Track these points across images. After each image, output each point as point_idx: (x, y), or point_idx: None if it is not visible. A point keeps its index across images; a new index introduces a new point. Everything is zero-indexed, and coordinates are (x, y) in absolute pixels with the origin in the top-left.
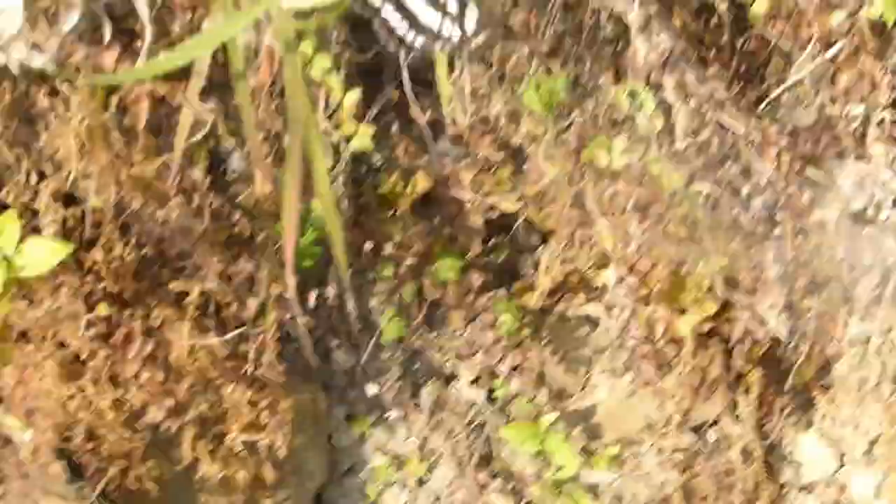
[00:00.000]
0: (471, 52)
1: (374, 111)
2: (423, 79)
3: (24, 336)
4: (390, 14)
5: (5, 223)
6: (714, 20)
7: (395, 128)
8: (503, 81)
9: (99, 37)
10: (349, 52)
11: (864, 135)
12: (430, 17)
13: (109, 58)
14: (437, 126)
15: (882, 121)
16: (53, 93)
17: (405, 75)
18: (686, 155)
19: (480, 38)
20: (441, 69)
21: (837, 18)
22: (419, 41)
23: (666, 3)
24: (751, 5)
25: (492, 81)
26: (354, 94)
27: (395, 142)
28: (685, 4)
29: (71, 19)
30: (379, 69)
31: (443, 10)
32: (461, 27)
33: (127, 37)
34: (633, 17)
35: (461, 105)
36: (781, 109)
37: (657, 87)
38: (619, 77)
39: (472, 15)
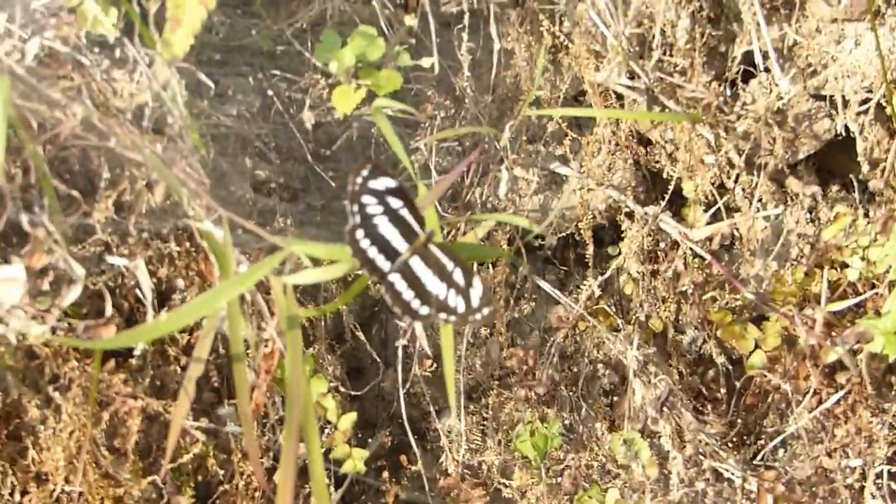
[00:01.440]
0: (474, 323)
1: (369, 450)
2: (418, 427)
3: None
4: (398, 280)
5: None
6: (711, 373)
7: (385, 474)
8: (497, 430)
9: (99, 310)
10: (345, 383)
11: (861, 489)
12: (436, 286)
13: (108, 331)
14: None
15: (880, 475)
16: (47, 401)
17: (404, 418)
18: None
19: (484, 312)
20: (446, 338)
21: (834, 356)
22: (424, 310)
23: (663, 351)
24: (748, 357)
25: (485, 432)
26: (349, 419)
27: (385, 490)
28: (682, 355)
29: (73, 293)
30: (374, 402)
31: (449, 281)
32: (466, 300)
33: (125, 315)
34: (631, 359)
35: (451, 454)
36: (778, 461)
37: (653, 436)
38: (613, 427)
39: (476, 290)
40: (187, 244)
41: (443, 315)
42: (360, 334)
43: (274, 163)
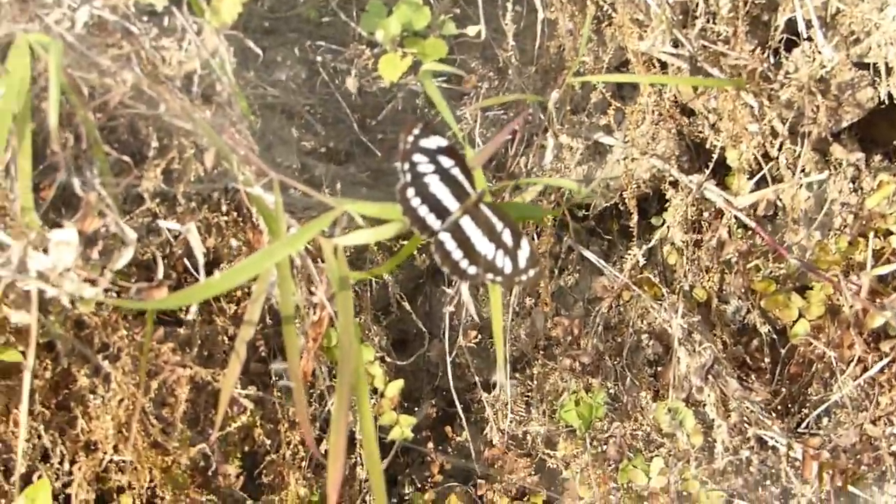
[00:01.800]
0: (517, 286)
1: (416, 419)
2: (463, 398)
3: None
4: (448, 239)
5: (38, 494)
6: (755, 342)
7: (430, 445)
8: (542, 400)
9: (149, 277)
10: (390, 353)
11: None
12: (485, 246)
13: (160, 293)
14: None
15: None
16: (96, 371)
17: (452, 389)
18: (726, 474)
19: (531, 273)
20: (495, 296)
21: (880, 321)
22: (472, 269)
23: (707, 321)
24: (792, 326)
25: (529, 402)
26: (396, 386)
27: (430, 460)
28: (726, 325)
29: (125, 256)
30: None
31: (497, 242)
32: (513, 261)
33: (174, 284)
34: (676, 327)
35: (496, 423)
36: (822, 429)
37: (697, 404)
38: (658, 396)
39: (524, 252)
40: (234, 214)
41: (490, 275)
42: (406, 304)
43: (320, 133)
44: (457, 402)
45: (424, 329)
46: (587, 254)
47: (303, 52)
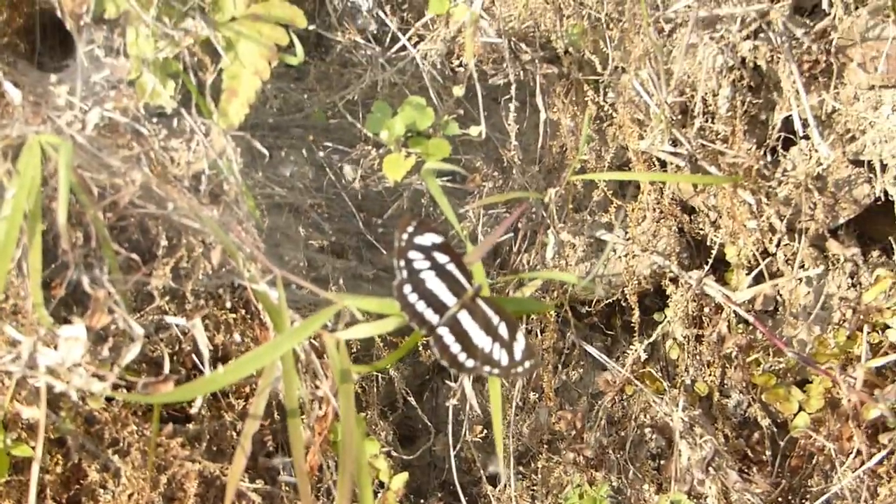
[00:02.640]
0: (517, 376)
1: None
2: (469, 492)
3: None
4: (446, 334)
5: None
6: (756, 435)
7: None
8: (547, 494)
9: (157, 372)
10: (396, 448)
11: None
12: (482, 340)
13: (166, 387)
14: None
15: None
16: (106, 466)
17: (456, 484)
18: None
19: (526, 365)
20: (494, 389)
21: (876, 412)
22: (470, 362)
23: (709, 414)
24: (792, 419)
25: (535, 496)
26: (401, 479)
27: None
28: (728, 418)
29: (132, 352)
30: (425, 464)
31: (494, 335)
32: (510, 353)
33: (182, 380)
34: (678, 420)
35: None
36: None
37: (699, 497)
38: (661, 489)
39: (520, 344)
40: (242, 311)
41: (487, 368)
42: (412, 400)
43: (326, 230)
44: (462, 497)
45: (430, 424)
46: (590, 349)
47: (310, 153)
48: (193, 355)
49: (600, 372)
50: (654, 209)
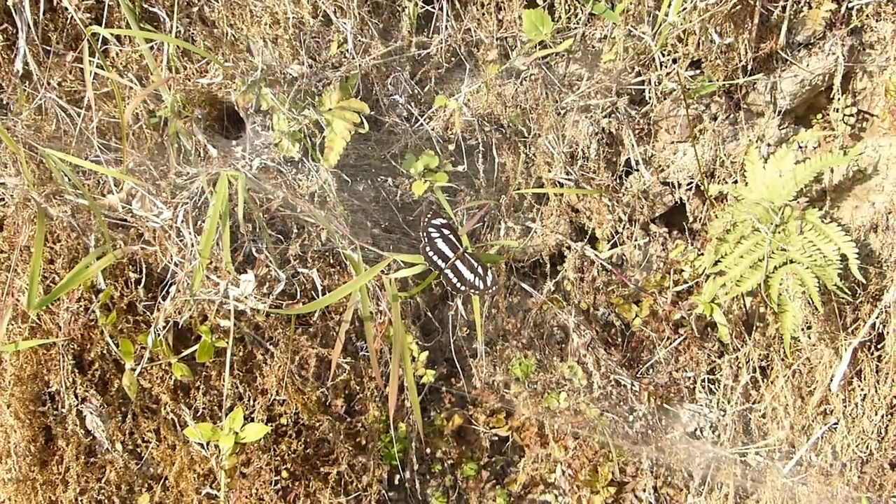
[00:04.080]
0: (486, 296)
1: (435, 374)
2: (461, 363)
3: (243, 476)
4: (449, 272)
5: (236, 416)
6: (613, 330)
7: (443, 388)
8: (502, 363)
9: (292, 298)
10: (420, 340)
11: (693, 389)
12: (469, 275)
13: (298, 306)
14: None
15: (704, 381)
16: (266, 351)
17: (454, 358)
18: (599, 399)
19: (492, 290)
20: (475, 303)
21: (677, 316)
22: (462, 287)
23: (588, 320)
24: (632, 321)
25: (495, 364)
26: (424, 355)
27: (442, 395)
28: (598, 321)
29: (278, 288)
30: (437, 347)
31: (475, 272)
32: (484, 282)
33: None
34: (571, 323)
35: (478, 376)
36: (650, 375)
37: (584, 364)
38: (563, 359)
39: (490, 277)
40: (338, 267)
41: (472, 290)
42: (429, 314)
43: (381, 223)
44: (457, 365)
45: (439, 326)
46: (523, 285)
47: (373, 181)
48: (312, 292)
49: (529, 298)
50: (557, 210)
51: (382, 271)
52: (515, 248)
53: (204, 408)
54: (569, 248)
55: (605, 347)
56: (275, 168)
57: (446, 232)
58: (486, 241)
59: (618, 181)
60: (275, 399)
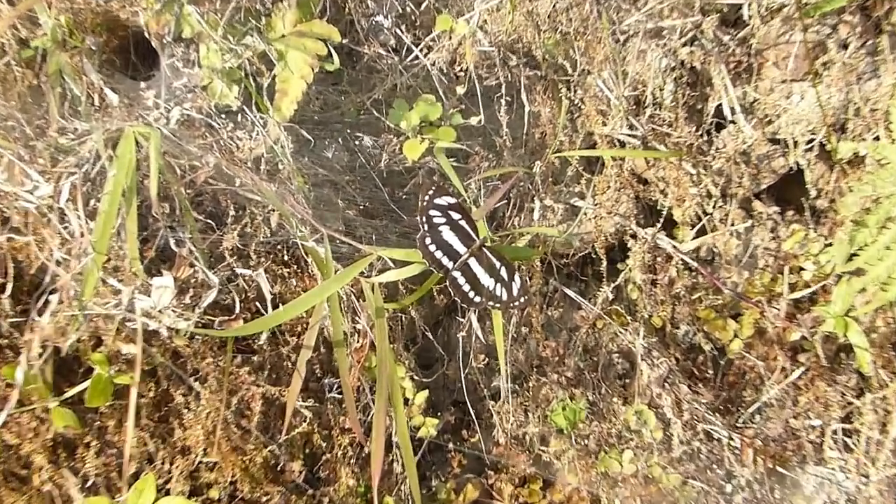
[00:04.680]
0: (513, 309)
1: (439, 424)
2: (475, 408)
3: None
4: (459, 276)
5: (144, 486)
6: (700, 357)
7: (451, 445)
8: (536, 407)
9: (229, 312)
10: (417, 373)
11: (821, 443)
12: (487, 280)
13: (237, 324)
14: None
15: (836, 432)
16: (189, 390)
17: (466, 400)
18: (681, 461)
19: (522, 300)
20: (497, 319)
21: (796, 336)
22: (477, 298)
23: (663, 342)
24: (728, 344)
25: (527, 409)
26: (423, 395)
27: (450, 457)
28: (678, 345)
29: (209, 297)
30: (440, 385)
31: (497, 276)
32: (508, 291)
33: (250, 318)
34: (639, 347)
35: (502, 426)
36: (755, 424)
37: (657, 407)
38: (627, 402)
39: (517, 284)
40: (294, 266)
41: (491, 302)
42: (430, 335)
43: (359, 202)
44: (470, 410)
45: (443, 353)
46: (568, 292)
47: (345, 141)
48: (257, 302)
49: (576, 310)
50: (616, 181)
51: (361, 273)
52: (556, 238)
53: (97, 474)
54: (634, 236)
55: (689, 383)
56: (203, 122)
57: (455, 216)
58: (514, 227)
59: (705, 138)
60: (201, 461)
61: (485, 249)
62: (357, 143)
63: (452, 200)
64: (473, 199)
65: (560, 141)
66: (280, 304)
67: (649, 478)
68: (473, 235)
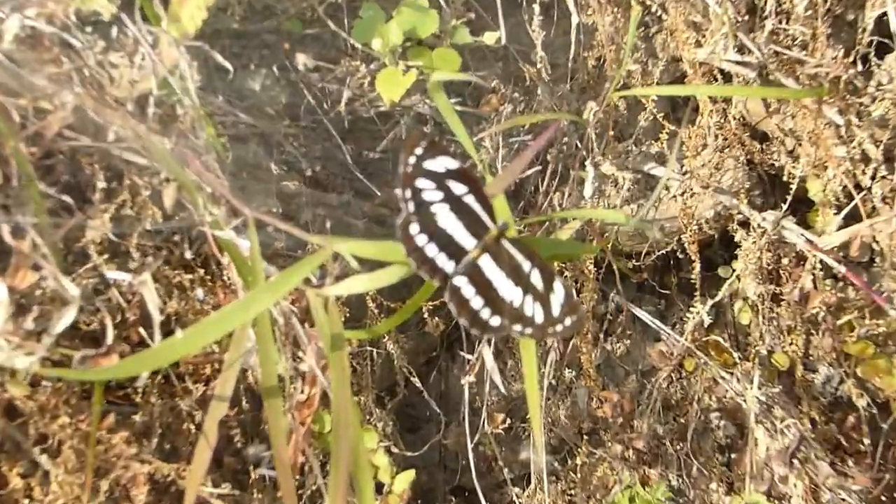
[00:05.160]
0: (552, 338)
1: None
2: (489, 497)
3: None
4: (464, 284)
5: None
6: (851, 419)
7: None
8: (589, 497)
9: (96, 344)
10: (398, 443)
11: None
12: (510, 291)
13: (109, 361)
14: None
15: None
16: (33, 468)
17: (476, 487)
18: None
19: (567, 323)
20: (527, 355)
21: None
22: (496, 320)
23: (791, 393)
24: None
25: (574, 498)
26: (406, 479)
27: None
28: (815, 398)
29: (66, 318)
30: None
31: (526, 285)
32: (545, 308)
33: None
34: (752, 401)
35: None
36: None
37: (782, 498)
38: (732, 489)
39: (558, 296)
40: (202, 270)
41: (518, 327)
42: (417, 381)
43: (305, 168)
44: (483, 500)
45: (439, 411)
46: (639, 313)
47: (283, 70)
48: (141, 328)
49: (653, 342)
50: (717, 135)
51: (308, 281)
52: (621, 227)
53: None
54: (745, 224)
55: (831, 459)
56: (56, 39)
57: (457, 188)
58: (552, 209)
59: (859, 69)
60: None
61: (506, 243)
62: (302, 72)
63: (454, 164)
64: (489, 163)
65: (628, 71)
66: (177, 330)
67: None
68: (487, 220)
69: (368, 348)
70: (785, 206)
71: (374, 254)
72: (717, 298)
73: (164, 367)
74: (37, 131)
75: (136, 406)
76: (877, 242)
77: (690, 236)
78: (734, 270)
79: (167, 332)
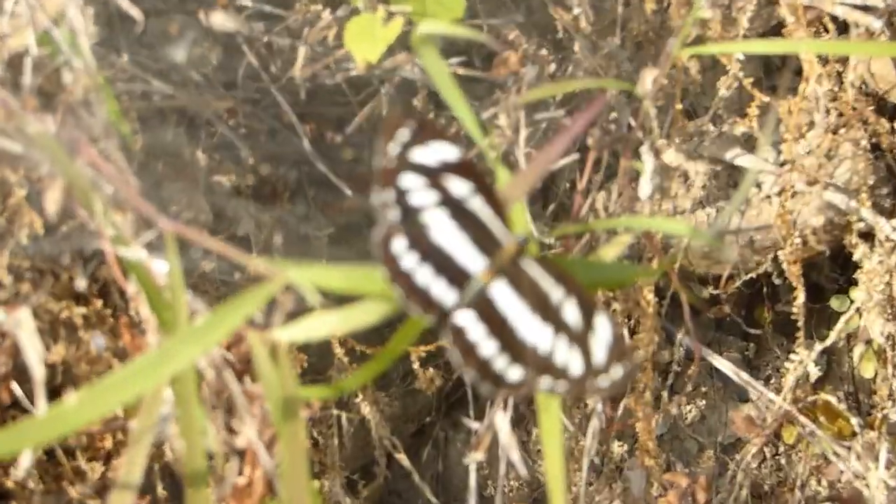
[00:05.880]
0: (592, 394)
1: None
2: None
3: None
4: (470, 322)
5: None
6: None
7: None
8: None
9: None
10: None
11: None
12: (534, 330)
13: None
14: None
15: None
16: None
17: None
18: None
19: (614, 374)
20: (549, 420)
21: None
22: (515, 372)
23: None
24: None
25: None
26: None
27: None
28: None
29: None
30: None
31: (556, 321)
32: (584, 352)
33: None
34: (878, 486)
35: None
36: None
37: None
38: None
39: (602, 335)
40: (100, 302)
41: (546, 380)
42: (404, 459)
43: (246, 158)
44: None
45: (435, 502)
46: (719, 363)
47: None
48: (16, 384)
49: (737, 404)
50: (829, 110)
51: (252, 321)
52: (691, 242)
53: None
54: (869, 236)
55: None
56: None
57: (458, 187)
58: (594, 215)
59: None
60: None
61: (528, 264)
62: (241, 22)
63: (453, 154)
64: (504, 151)
65: (702, 19)
66: (67, 388)
67: None
68: (500, 232)
69: (335, 412)
70: None
71: (341, 283)
72: (828, 341)
73: (49, 443)
74: None
75: (11, 495)
76: None
77: (791, 253)
78: (852, 302)
79: (51, 388)
